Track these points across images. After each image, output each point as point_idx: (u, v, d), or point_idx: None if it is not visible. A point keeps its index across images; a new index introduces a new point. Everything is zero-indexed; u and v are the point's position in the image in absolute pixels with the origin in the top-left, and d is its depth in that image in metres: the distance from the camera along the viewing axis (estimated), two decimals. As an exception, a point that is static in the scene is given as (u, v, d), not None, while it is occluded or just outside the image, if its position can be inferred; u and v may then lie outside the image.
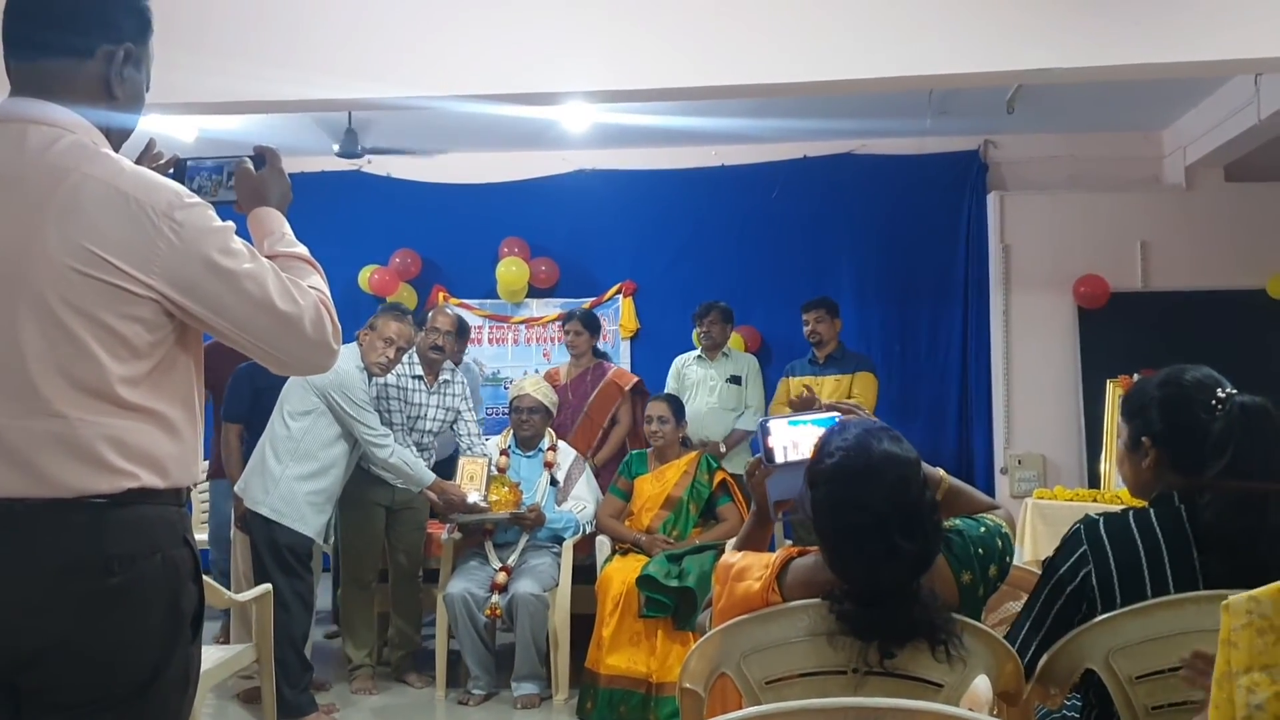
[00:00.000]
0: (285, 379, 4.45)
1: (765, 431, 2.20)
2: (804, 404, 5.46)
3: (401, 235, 7.21)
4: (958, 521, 2.05)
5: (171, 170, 1.85)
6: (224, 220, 1.65)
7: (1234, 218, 6.39)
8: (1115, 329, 6.32)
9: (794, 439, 2.19)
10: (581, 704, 4.43)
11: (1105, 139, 6.69)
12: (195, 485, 1.73)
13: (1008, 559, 2.04)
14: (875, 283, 6.80)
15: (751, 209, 7.01)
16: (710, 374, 6.00)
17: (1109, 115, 6.37)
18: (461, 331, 5.31)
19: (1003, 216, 6.58)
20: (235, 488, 4.54)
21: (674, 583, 4.35)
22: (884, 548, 1.81)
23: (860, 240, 6.88)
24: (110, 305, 1.53)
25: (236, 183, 1.85)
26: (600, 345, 7.09)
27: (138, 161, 1.78)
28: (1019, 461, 6.34)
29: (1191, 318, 6.22)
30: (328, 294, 1.74)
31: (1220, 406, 1.96)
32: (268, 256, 1.72)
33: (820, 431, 2.16)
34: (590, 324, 5.89)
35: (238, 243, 1.63)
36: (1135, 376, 5.49)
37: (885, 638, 1.84)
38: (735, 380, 5.99)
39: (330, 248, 6.69)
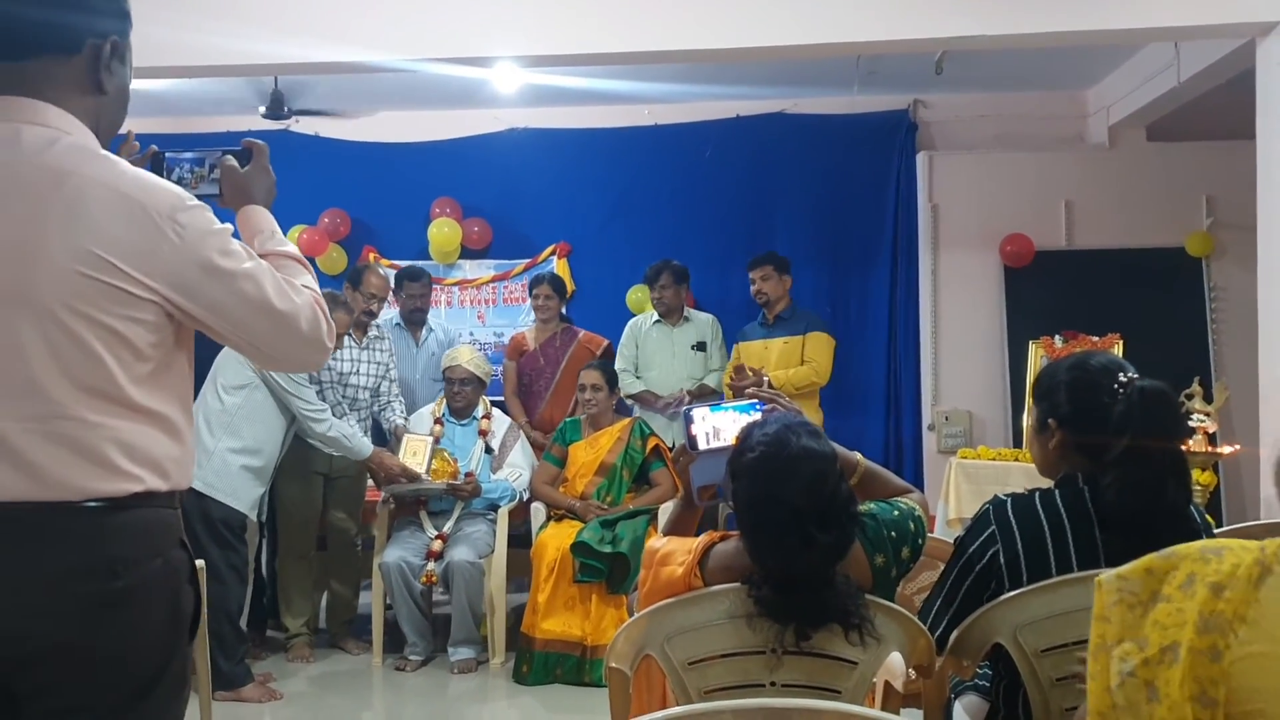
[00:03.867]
0: (217, 350, 4.41)
1: (688, 419, 2.25)
2: (746, 384, 5.39)
3: (331, 195, 7.12)
4: (872, 506, 2.12)
5: (150, 163, 1.83)
6: (221, 221, 1.65)
7: (1155, 177, 6.51)
8: (1040, 287, 6.45)
9: (715, 425, 2.24)
10: (518, 668, 4.51)
11: (1031, 99, 6.78)
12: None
13: (920, 541, 2.12)
14: (807, 242, 6.85)
15: (685, 168, 7.00)
16: (672, 339, 5.69)
17: (1035, 76, 6.45)
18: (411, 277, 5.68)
19: (931, 176, 6.66)
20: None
21: (607, 548, 4.42)
22: (800, 539, 1.88)
23: (792, 200, 6.92)
24: (113, 308, 1.53)
25: (222, 178, 1.85)
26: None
27: (114, 154, 1.77)
28: (946, 418, 6.48)
29: (1113, 275, 6.36)
30: (319, 292, 1.75)
31: (1122, 390, 2.04)
32: (259, 255, 1.72)
33: (741, 418, 2.22)
34: (559, 288, 5.82)
35: (236, 244, 1.64)
36: (1056, 337, 5.65)
37: (801, 622, 1.91)
38: (700, 347, 5.67)
39: (258, 209, 6.61)
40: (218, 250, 1.59)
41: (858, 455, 2.23)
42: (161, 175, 1.77)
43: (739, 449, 2.02)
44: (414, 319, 5.83)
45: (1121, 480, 1.99)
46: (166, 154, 1.87)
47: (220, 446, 4.36)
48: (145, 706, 1.58)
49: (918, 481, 6.62)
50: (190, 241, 1.56)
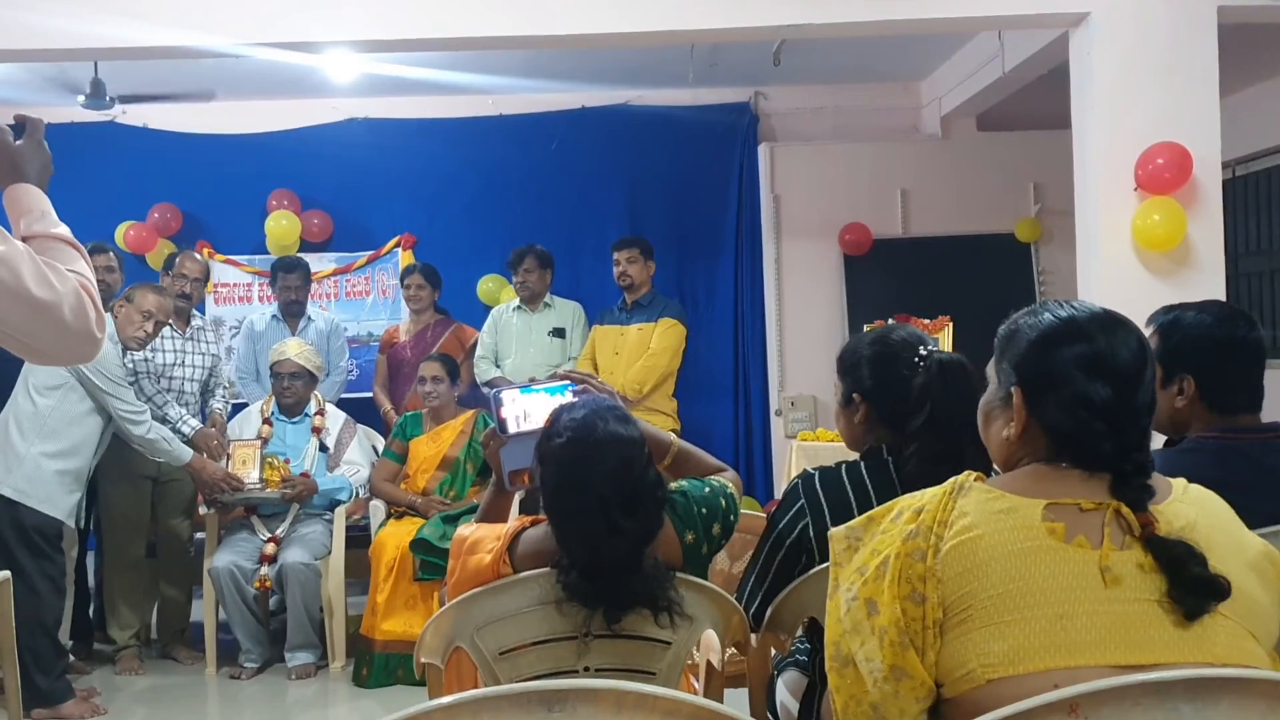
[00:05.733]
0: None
1: (498, 402, 2.20)
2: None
3: (160, 189, 6.81)
4: (684, 483, 2.11)
5: None
6: None
7: (985, 166, 6.73)
8: (879, 274, 6.60)
9: (526, 408, 2.19)
10: (357, 671, 4.40)
11: (867, 91, 6.93)
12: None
13: (732, 518, 2.11)
14: (653, 234, 6.77)
15: (531, 159, 6.92)
16: (531, 326, 5.61)
17: (870, 68, 6.59)
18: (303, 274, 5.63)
19: (773, 167, 6.75)
20: (-33, 466, 4.24)
21: (447, 544, 4.32)
22: (606, 526, 1.86)
23: (640, 191, 6.92)
24: None
25: None
26: (380, 301, 6.97)
27: None
28: (792, 403, 6.57)
29: (948, 261, 6.55)
30: (91, 278, 1.62)
31: (921, 363, 2.07)
32: (25, 237, 1.59)
33: (552, 400, 2.18)
34: (432, 278, 5.68)
35: None
36: (890, 321, 5.78)
37: (609, 606, 1.89)
38: (559, 334, 5.59)
39: (81, 204, 6.21)
40: None
41: (671, 435, 2.22)
42: None
43: (546, 433, 1.98)
44: (291, 310, 5.66)
45: (922, 450, 2.02)
46: None
47: (32, 450, 4.12)
48: None
49: (766, 466, 6.71)
50: None
